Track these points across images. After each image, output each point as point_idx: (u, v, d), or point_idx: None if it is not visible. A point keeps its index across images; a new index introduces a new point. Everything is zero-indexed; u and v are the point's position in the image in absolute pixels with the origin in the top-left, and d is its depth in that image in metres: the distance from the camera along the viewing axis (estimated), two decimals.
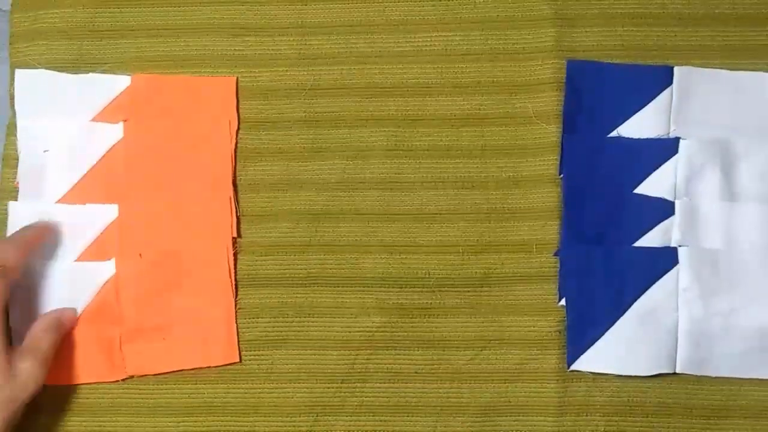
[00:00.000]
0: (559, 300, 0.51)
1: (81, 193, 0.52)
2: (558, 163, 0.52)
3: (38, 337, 0.47)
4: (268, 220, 0.53)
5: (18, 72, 0.53)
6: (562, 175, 0.52)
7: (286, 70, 0.53)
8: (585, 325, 0.50)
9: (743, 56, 0.52)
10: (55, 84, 0.53)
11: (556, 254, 0.51)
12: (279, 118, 0.53)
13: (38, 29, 0.54)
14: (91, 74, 0.53)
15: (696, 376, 0.50)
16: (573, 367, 0.50)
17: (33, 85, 0.53)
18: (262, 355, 0.52)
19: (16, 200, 0.52)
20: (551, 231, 0.52)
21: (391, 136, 0.53)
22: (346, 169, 0.53)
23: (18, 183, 0.52)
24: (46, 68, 0.53)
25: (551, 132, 0.52)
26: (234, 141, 0.53)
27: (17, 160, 0.52)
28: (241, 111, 0.53)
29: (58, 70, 0.53)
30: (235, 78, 0.53)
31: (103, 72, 0.53)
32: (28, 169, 0.52)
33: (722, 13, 0.53)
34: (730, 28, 0.53)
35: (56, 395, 0.51)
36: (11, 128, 0.53)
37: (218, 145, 0.52)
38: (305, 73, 0.53)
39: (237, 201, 0.52)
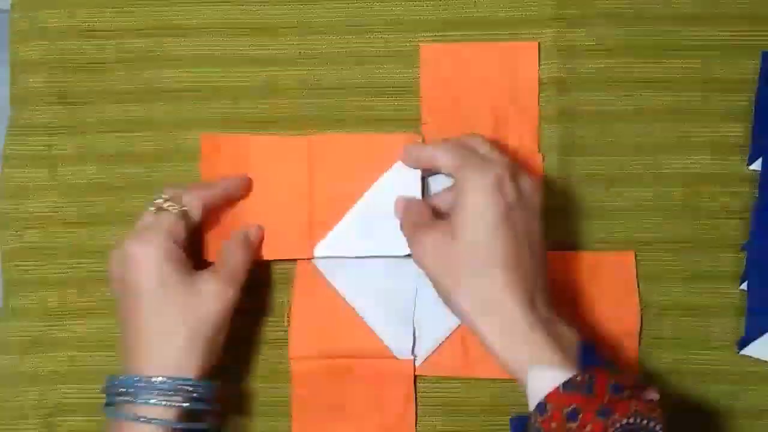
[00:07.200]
0: (740, 284, 0.51)
1: None
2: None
3: (226, 256, 0.48)
4: None
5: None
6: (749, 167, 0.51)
7: (286, 70, 0.53)
8: (763, 314, 0.50)
9: (744, 55, 0.53)
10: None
11: (743, 248, 0.51)
12: (279, 117, 0.53)
13: (38, 29, 0.54)
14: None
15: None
16: (743, 352, 0.50)
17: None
18: (262, 355, 0.52)
19: (17, 200, 0.52)
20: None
21: None
22: None
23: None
24: (46, 68, 0.53)
25: (551, 131, 0.52)
26: None
27: (17, 160, 0.53)
28: (240, 111, 0.53)
29: (59, 70, 0.53)
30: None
31: (103, 72, 0.53)
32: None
33: (722, 13, 0.53)
34: (731, 28, 0.53)
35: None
36: (11, 128, 0.53)
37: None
38: (305, 73, 0.53)
39: None
